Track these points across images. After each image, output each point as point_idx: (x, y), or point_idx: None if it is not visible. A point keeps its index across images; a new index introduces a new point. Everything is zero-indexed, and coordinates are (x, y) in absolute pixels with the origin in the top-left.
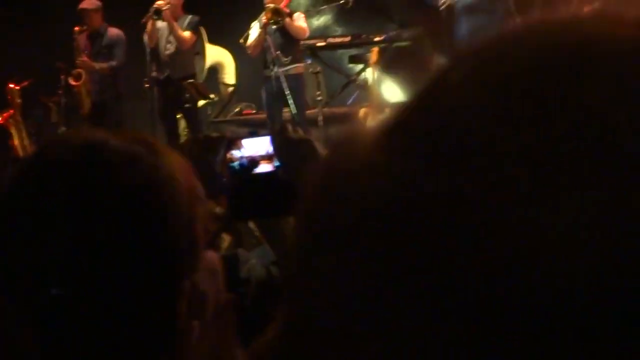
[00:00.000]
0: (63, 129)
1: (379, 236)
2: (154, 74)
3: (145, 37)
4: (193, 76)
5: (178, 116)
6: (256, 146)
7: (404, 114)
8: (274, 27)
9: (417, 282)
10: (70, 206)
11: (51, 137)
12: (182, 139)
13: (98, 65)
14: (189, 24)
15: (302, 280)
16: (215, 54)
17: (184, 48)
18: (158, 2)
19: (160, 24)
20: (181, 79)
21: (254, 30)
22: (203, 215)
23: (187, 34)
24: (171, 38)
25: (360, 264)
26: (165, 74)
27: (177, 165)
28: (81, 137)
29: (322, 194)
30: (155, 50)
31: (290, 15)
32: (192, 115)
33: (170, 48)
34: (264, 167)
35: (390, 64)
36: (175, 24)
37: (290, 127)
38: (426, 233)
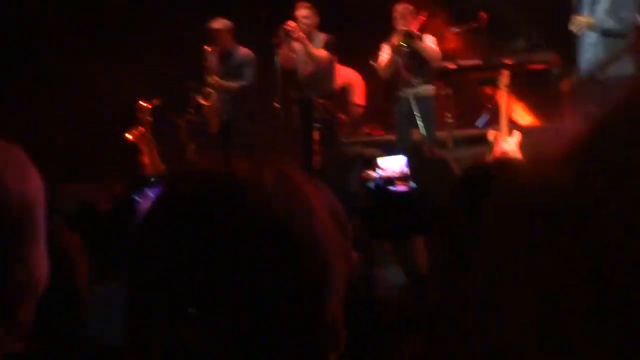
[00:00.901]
0: (192, 147)
1: (568, 254)
2: (292, 93)
3: (280, 58)
4: (332, 94)
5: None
6: (392, 165)
7: (594, 137)
8: (405, 49)
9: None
10: (205, 236)
11: (185, 165)
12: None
13: (228, 85)
14: (325, 43)
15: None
16: (345, 75)
17: (321, 67)
18: (290, 23)
19: (298, 44)
20: (319, 98)
21: (385, 52)
22: (343, 244)
23: (322, 52)
24: (308, 58)
25: (551, 279)
26: (304, 93)
27: (315, 195)
28: (213, 170)
29: (511, 212)
30: (293, 71)
31: (421, 37)
32: (328, 134)
33: (308, 68)
34: (400, 187)
35: (521, 87)
36: (308, 43)
37: (426, 147)
38: (616, 258)
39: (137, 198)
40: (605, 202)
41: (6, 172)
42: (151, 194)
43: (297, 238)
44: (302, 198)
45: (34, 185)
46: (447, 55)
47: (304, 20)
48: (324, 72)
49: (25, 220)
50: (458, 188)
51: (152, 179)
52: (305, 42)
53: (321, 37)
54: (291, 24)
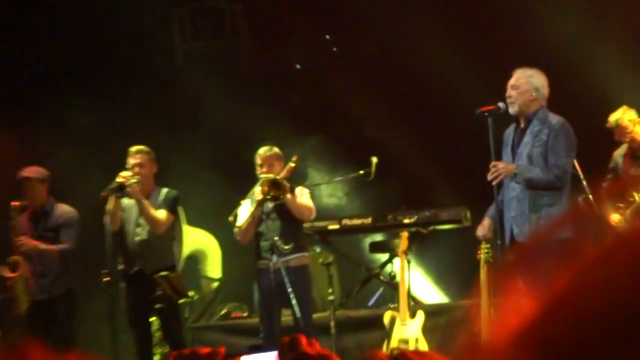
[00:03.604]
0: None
1: None
2: (120, 266)
3: (107, 219)
4: (172, 268)
5: (152, 319)
6: None
7: (538, 324)
8: (272, 204)
9: None
10: None
11: None
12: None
13: (44, 246)
14: (165, 200)
15: None
16: (196, 240)
17: (158, 232)
18: (123, 174)
19: (127, 201)
20: (156, 272)
21: (245, 209)
22: None
23: (162, 213)
24: (142, 220)
25: None
26: (136, 266)
27: None
28: None
29: None
30: (121, 236)
31: (292, 190)
32: (170, 318)
33: (142, 233)
34: None
35: (424, 254)
36: (146, 201)
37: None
38: None
39: None
40: None
41: None
42: None
43: None
44: None
45: None
46: (326, 212)
47: (139, 170)
48: (163, 239)
49: None
50: None
51: None
52: (139, 197)
53: (161, 192)
54: (124, 174)
